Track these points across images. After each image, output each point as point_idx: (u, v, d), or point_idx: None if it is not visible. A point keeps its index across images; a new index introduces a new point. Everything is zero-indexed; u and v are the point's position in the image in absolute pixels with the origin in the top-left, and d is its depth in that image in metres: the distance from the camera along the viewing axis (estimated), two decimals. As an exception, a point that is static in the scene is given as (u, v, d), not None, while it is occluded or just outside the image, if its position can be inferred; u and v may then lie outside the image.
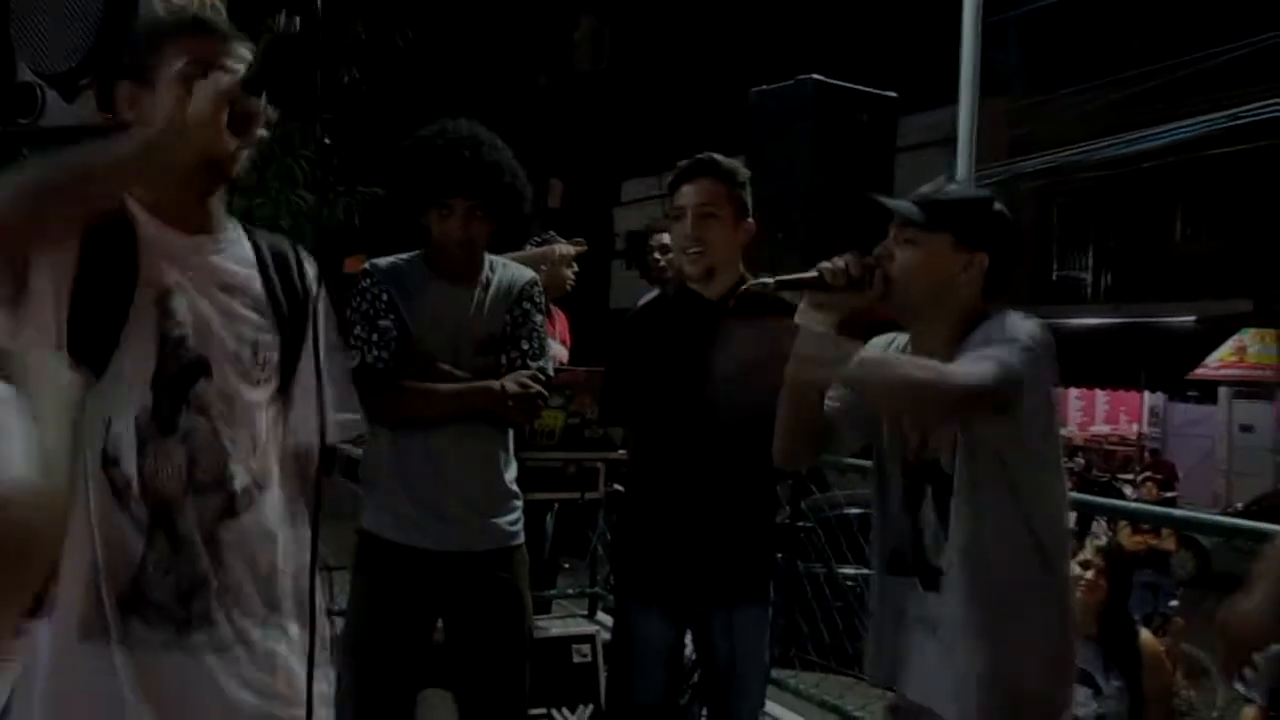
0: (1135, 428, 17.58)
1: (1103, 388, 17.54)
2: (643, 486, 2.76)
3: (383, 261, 2.62)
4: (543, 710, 3.36)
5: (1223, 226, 15.47)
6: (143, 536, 1.60)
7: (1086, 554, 3.57)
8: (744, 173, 2.68)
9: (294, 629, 1.75)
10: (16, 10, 2.15)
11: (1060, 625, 1.94)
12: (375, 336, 2.52)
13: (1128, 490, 11.85)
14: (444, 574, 2.53)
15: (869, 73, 3.80)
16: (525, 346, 2.61)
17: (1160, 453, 15.95)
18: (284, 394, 1.77)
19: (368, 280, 2.58)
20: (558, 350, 3.88)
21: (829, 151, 3.16)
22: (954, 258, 1.90)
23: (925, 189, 1.98)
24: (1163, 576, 7.78)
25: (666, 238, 3.70)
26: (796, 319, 1.99)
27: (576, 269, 4.09)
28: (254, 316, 1.71)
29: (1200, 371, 15.88)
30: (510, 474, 2.65)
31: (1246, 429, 16.52)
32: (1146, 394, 16.93)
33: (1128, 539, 7.20)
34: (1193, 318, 15.61)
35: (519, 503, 2.67)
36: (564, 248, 3.96)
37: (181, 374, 1.63)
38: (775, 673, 3.97)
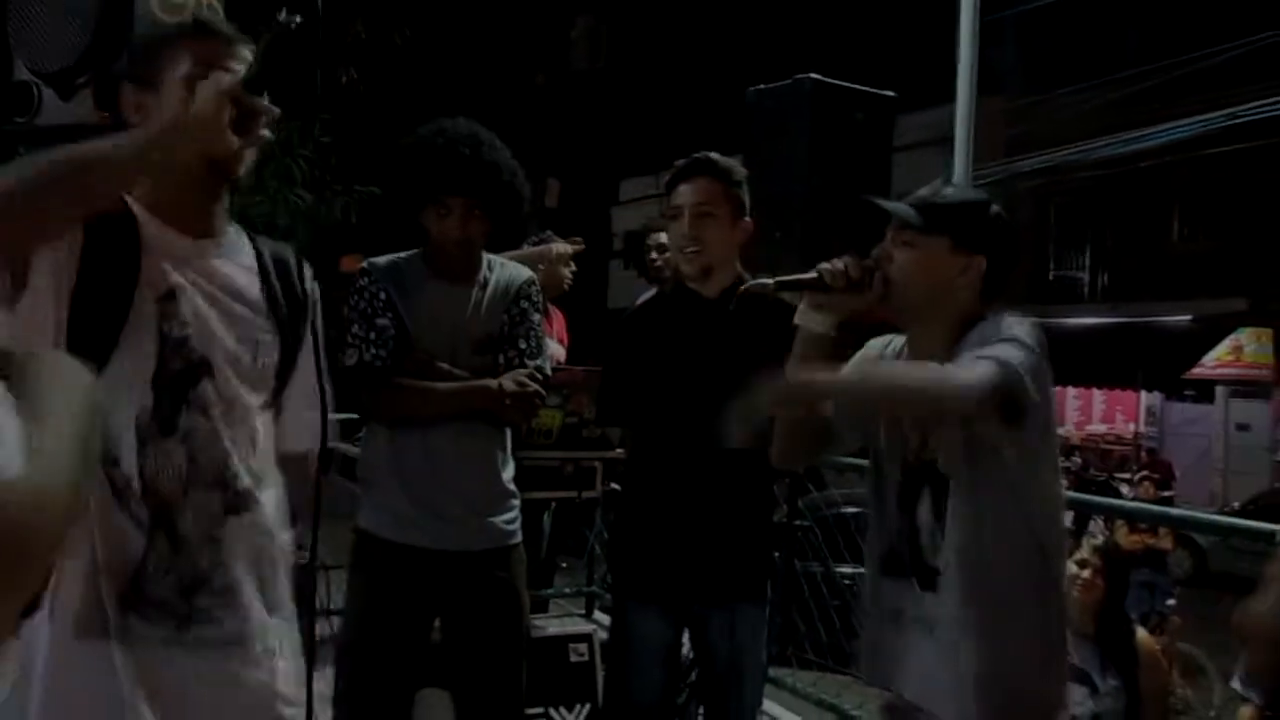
0: (1132, 427, 17.61)
1: (1100, 387, 17.57)
2: (640, 485, 2.76)
3: (381, 260, 2.62)
4: (540, 709, 3.36)
5: (1219, 226, 15.49)
6: (143, 535, 1.61)
7: (1083, 553, 3.57)
8: (741, 171, 2.68)
9: (292, 629, 1.76)
10: (13, 8, 2.15)
11: (1057, 625, 1.94)
12: (373, 335, 2.52)
13: (1125, 489, 11.87)
14: (441, 573, 2.53)
15: (866, 72, 3.81)
16: (523, 345, 2.61)
17: (1157, 452, 15.98)
18: (280, 398, 1.78)
19: (366, 279, 2.58)
20: (555, 349, 3.88)
21: (826, 150, 3.17)
22: (952, 260, 1.91)
23: (923, 191, 1.98)
24: (1160, 575, 7.80)
25: (663, 237, 3.70)
26: (796, 320, 1.99)
27: (574, 268, 4.09)
28: (255, 320, 1.72)
29: (1197, 371, 15.91)
30: (508, 473, 2.65)
31: (1243, 428, 16.55)
32: (1143, 393, 16.96)
33: (1125, 538, 7.21)
34: (1189, 317, 15.64)
35: (516, 502, 2.67)
36: (561, 247, 3.96)
37: (184, 374, 1.64)
38: (772, 671, 3.97)
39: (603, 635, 3.41)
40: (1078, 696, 3.31)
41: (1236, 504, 12.81)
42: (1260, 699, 3.52)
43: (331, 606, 3.39)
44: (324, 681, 3.10)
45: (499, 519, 2.61)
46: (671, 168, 2.69)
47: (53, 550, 0.75)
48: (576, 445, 3.51)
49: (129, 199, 1.62)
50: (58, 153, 1.45)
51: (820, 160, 3.15)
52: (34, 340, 1.49)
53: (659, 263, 4.09)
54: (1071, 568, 3.50)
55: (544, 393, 2.65)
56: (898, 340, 2.05)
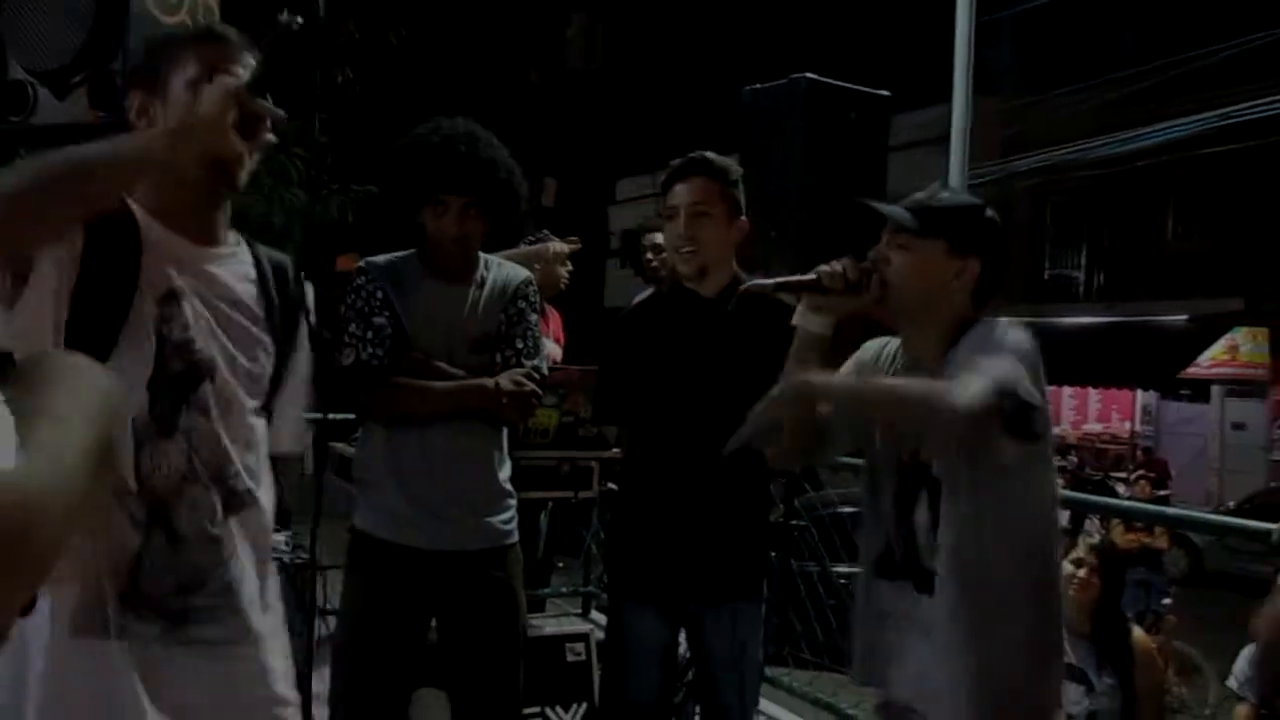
0: (1128, 426, 17.64)
1: (1096, 386, 17.59)
2: (637, 485, 2.76)
3: (378, 259, 2.62)
4: (537, 709, 3.36)
5: (1215, 225, 15.52)
6: (140, 534, 1.61)
7: (1079, 552, 3.58)
8: (737, 171, 2.68)
9: (283, 629, 1.78)
10: (8, 8, 2.15)
11: (1053, 626, 1.94)
12: (370, 334, 2.51)
13: (1120, 488, 11.90)
14: (438, 573, 2.53)
15: (862, 71, 3.81)
16: (520, 345, 2.61)
17: (1153, 451, 16.01)
18: (273, 402, 1.80)
19: (363, 278, 2.58)
20: (552, 349, 3.88)
21: (822, 150, 3.17)
22: (947, 263, 1.92)
23: (918, 195, 2.00)
24: (1155, 574, 7.81)
25: (659, 238, 3.70)
26: (794, 321, 2.00)
27: (571, 267, 4.09)
28: (252, 326, 1.74)
29: (1192, 370, 15.94)
30: (504, 472, 2.65)
31: (1239, 427, 16.58)
32: (1139, 392, 16.99)
33: (1120, 537, 7.22)
34: (1185, 316, 15.67)
35: (513, 501, 2.66)
36: (558, 246, 3.96)
37: (184, 376, 1.65)
38: (769, 671, 3.98)
39: (599, 635, 3.41)
40: (1074, 695, 3.32)
41: (1232, 503, 12.84)
42: (1255, 698, 3.53)
43: (328, 607, 3.39)
44: (321, 681, 3.11)
45: (496, 519, 2.60)
46: (667, 167, 2.69)
47: (52, 550, 0.74)
48: (573, 445, 3.51)
49: (131, 202, 1.63)
50: (62, 153, 1.45)
51: (815, 160, 3.15)
52: (35, 339, 1.49)
53: (655, 263, 4.09)
54: (1067, 567, 3.50)
55: (541, 392, 2.65)
56: (893, 342, 2.06)
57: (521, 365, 2.59)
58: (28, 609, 0.76)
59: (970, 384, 1.71)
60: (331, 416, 3.14)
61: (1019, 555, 1.88)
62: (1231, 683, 3.66)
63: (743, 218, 2.66)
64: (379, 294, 2.54)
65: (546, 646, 3.46)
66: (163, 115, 1.62)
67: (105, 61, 2.10)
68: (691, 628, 2.71)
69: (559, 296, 4.15)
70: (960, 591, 1.86)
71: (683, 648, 2.85)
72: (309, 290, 1.89)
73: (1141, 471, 11.31)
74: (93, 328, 1.56)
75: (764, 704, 3.13)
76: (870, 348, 2.08)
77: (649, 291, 3.06)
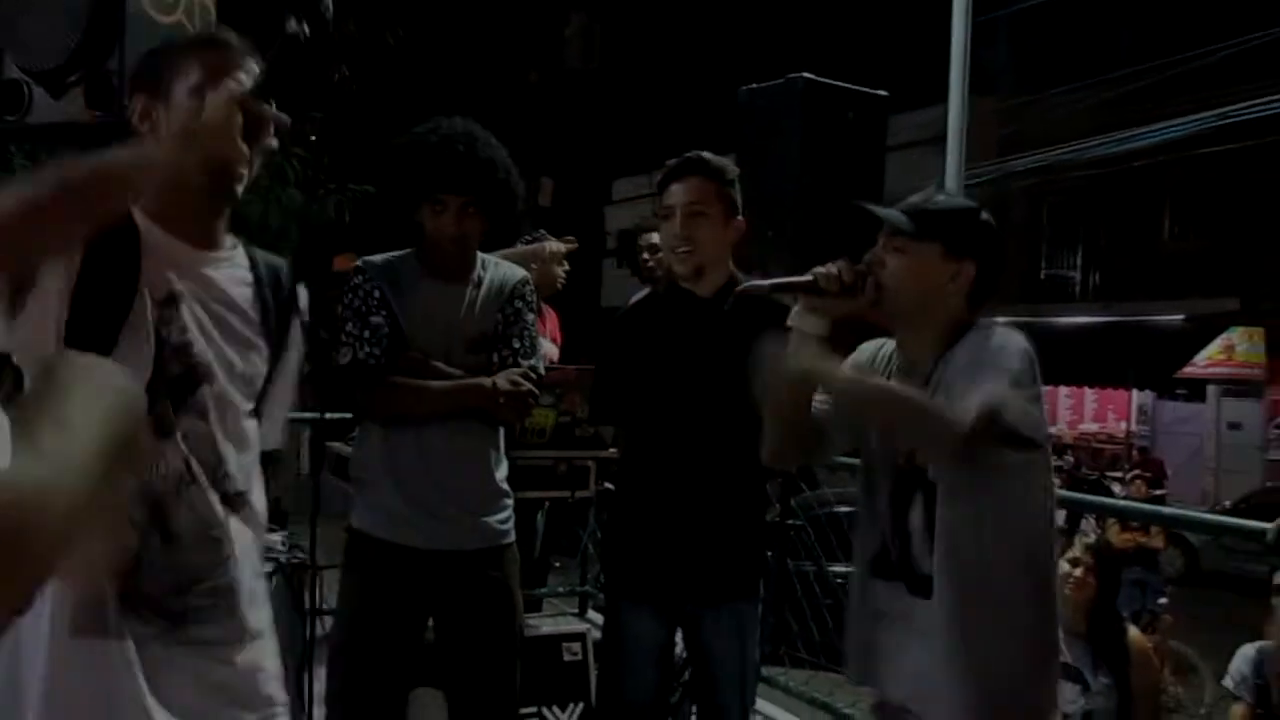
0: (1124, 426, 17.64)
1: (1091, 386, 17.60)
2: (633, 485, 2.76)
3: (375, 259, 2.62)
4: (533, 709, 3.36)
5: (1211, 225, 15.54)
6: (136, 534, 1.61)
7: (1075, 551, 3.58)
8: (733, 170, 2.68)
9: (272, 630, 1.80)
10: (3, 7, 2.14)
11: (1048, 627, 1.95)
12: (367, 333, 2.51)
13: (1116, 488, 11.92)
14: (434, 573, 2.53)
15: (859, 71, 3.81)
16: (517, 345, 2.61)
17: (1149, 451, 16.01)
18: (263, 405, 1.82)
19: (360, 277, 2.58)
20: (548, 348, 3.88)
21: (819, 150, 3.17)
22: (943, 267, 1.93)
23: (914, 198, 2.01)
24: (1151, 574, 7.82)
25: (655, 237, 3.70)
26: (790, 322, 2.00)
27: (567, 267, 4.09)
28: (248, 330, 1.75)
29: (1188, 370, 15.95)
30: (501, 472, 2.65)
31: (1235, 427, 16.60)
32: (1135, 392, 16.99)
33: (1116, 536, 7.22)
34: (1181, 316, 15.68)
35: (510, 501, 2.66)
36: (554, 245, 3.96)
37: (182, 378, 1.67)
38: (765, 670, 3.98)
39: (596, 635, 3.41)
40: (1070, 694, 3.32)
41: (1228, 503, 12.86)
42: (1250, 697, 3.54)
43: (324, 606, 3.39)
44: (317, 681, 3.11)
45: (493, 518, 2.60)
46: (664, 167, 2.69)
47: (50, 551, 0.74)
48: (570, 444, 3.51)
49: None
50: (71, 165, 1.46)
51: (812, 160, 3.15)
52: (39, 346, 1.50)
53: (651, 263, 4.09)
54: (1064, 566, 3.51)
55: (538, 392, 2.65)
56: (889, 344, 2.07)
57: (518, 365, 2.59)
58: (24, 609, 0.76)
59: (965, 402, 1.75)
60: (328, 416, 3.14)
61: (1016, 557, 1.88)
62: (1227, 682, 3.68)
63: (739, 218, 2.66)
64: (376, 293, 2.54)
65: (543, 646, 3.46)
66: (165, 120, 1.64)
67: (101, 61, 2.09)
68: (688, 627, 2.71)
69: (555, 296, 4.15)
70: (957, 593, 1.86)
71: (679, 647, 2.85)
72: (303, 293, 1.89)
73: (1137, 471, 11.32)
74: (93, 330, 1.56)
75: (760, 704, 3.13)
76: (866, 349, 2.09)
77: (645, 291, 3.06)
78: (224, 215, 1.74)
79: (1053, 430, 16.35)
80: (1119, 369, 15.76)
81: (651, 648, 2.67)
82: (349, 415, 2.87)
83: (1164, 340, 15.68)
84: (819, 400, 2.02)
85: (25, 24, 2.13)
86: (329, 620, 3.03)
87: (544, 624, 4.05)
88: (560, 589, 5.46)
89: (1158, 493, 10.50)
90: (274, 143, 1.68)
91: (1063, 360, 14.31)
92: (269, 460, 1.86)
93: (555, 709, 3.44)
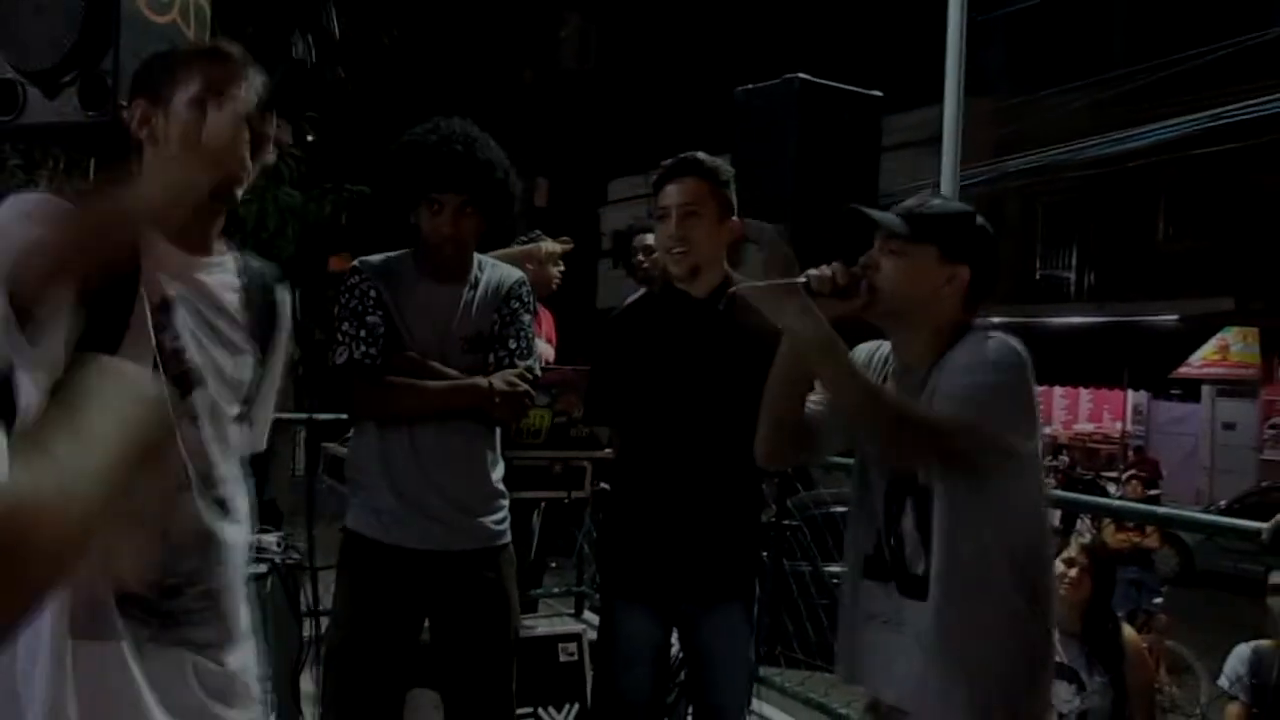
0: (1119, 426, 17.67)
1: (1087, 386, 17.63)
2: (629, 485, 2.76)
3: (372, 259, 2.62)
4: (529, 709, 3.35)
5: (1206, 226, 15.56)
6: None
7: (1071, 551, 3.59)
8: (728, 171, 2.68)
9: (253, 633, 1.81)
10: (-2, 7, 2.14)
11: (1043, 628, 1.95)
12: (363, 333, 2.51)
13: (1112, 488, 11.92)
14: (430, 573, 2.53)
15: (854, 72, 3.81)
16: (513, 345, 2.61)
17: (1144, 450, 16.04)
18: (250, 410, 1.83)
19: (356, 277, 2.58)
20: (544, 349, 3.88)
21: (814, 150, 3.17)
22: (938, 270, 1.94)
23: (910, 202, 2.01)
24: (1147, 574, 7.83)
25: (649, 239, 3.70)
26: (783, 324, 1.99)
27: (563, 267, 4.09)
28: (238, 334, 1.77)
29: (1183, 370, 15.98)
30: (497, 473, 2.65)
31: (1229, 427, 16.63)
32: (1130, 392, 17.02)
33: (1112, 536, 7.24)
34: (1176, 316, 15.70)
35: (505, 502, 2.66)
36: (550, 246, 3.95)
37: (177, 383, 1.67)
38: (761, 670, 3.98)
39: (592, 635, 3.41)
40: (1065, 694, 3.33)
41: (1223, 502, 12.87)
42: (1246, 696, 3.55)
43: (320, 607, 3.39)
44: (313, 682, 3.10)
45: (488, 519, 2.60)
46: (659, 167, 2.69)
47: (54, 561, 0.74)
48: (565, 445, 3.51)
49: None
50: (92, 205, 1.50)
51: (808, 160, 3.15)
52: (55, 358, 1.52)
53: (645, 264, 4.09)
54: (1059, 566, 3.51)
55: (534, 393, 2.65)
56: (885, 346, 2.07)
57: (514, 366, 2.59)
58: (28, 618, 0.76)
59: (952, 407, 1.79)
60: (321, 417, 3.13)
61: (1009, 558, 1.88)
62: (1223, 681, 3.68)
63: (734, 218, 2.66)
64: (372, 293, 2.54)
65: (539, 647, 3.46)
66: (164, 127, 1.66)
67: (95, 61, 2.09)
68: (684, 628, 2.71)
69: (551, 297, 4.15)
70: (950, 595, 1.86)
71: (675, 648, 2.85)
72: (289, 298, 1.91)
73: (1133, 471, 11.35)
74: (96, 337, 1.57)
75: (756, 704, 3.13)
76: (862, 351, 2.09)
77: (640, 292, 3.06)
78: (219, 221, 1.76)
79: (1048, 430, 16.41)
80: (1114, 369, 15.79)
81: (647, 648, 2.67)
82: (343, 416, 2.87)
83: (1159, 340, 15.71)
84: (811, 400, 2.02)
85: (20, 24, 2.13)
86: (325, 621, 3.02)
87: (540, 624, 4.05)
88: (556, 589, 5.46)
89: (1153, 493, 10.51)
90: (274, 156, 1.72)
91: (1058, 360, 14.34)
92: (264, 461, 1.87)
93: (551, 710, 3.44)
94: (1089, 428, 18.40)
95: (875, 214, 1.99)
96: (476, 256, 2.66)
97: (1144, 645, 3.90)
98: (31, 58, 2.12)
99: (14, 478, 0.75)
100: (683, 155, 2.66)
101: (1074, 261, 17.89)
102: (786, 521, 3.98)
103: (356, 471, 2.62)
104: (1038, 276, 18.02)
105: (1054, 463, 13.94)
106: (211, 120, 1.58)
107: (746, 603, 2.70)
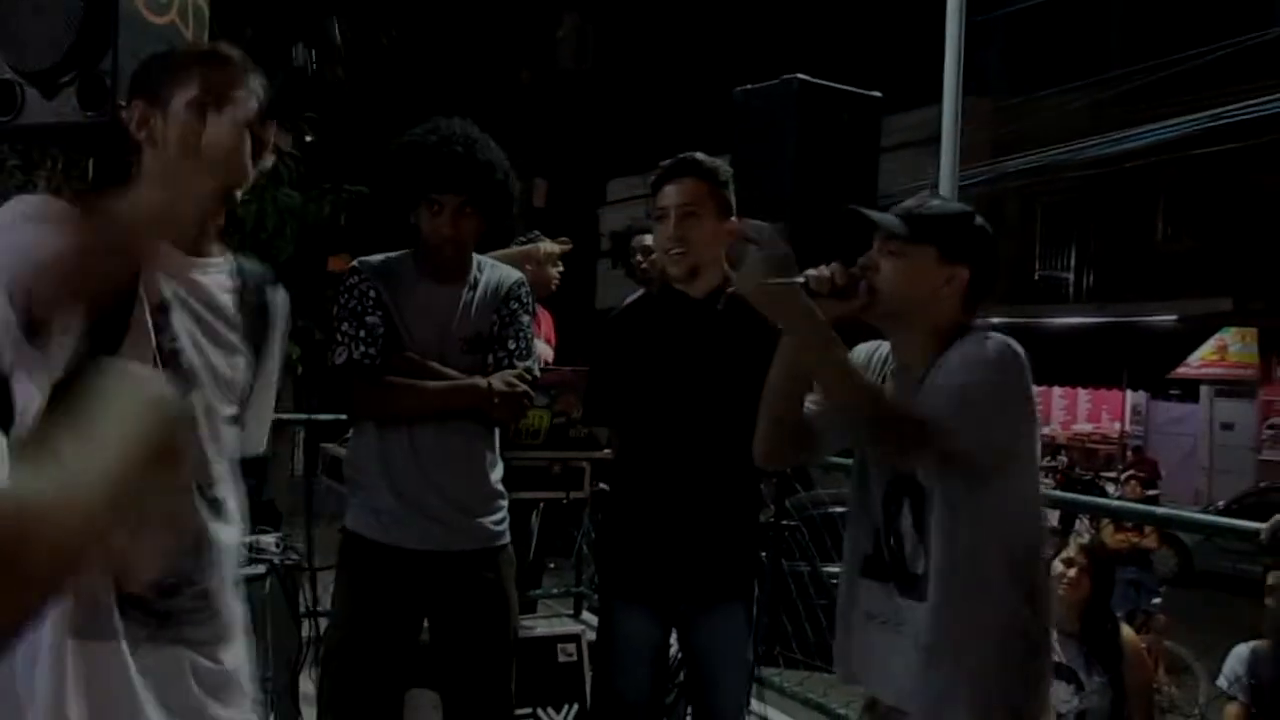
0: (1118, 426, 17.69)
1: (1085, 386, 17.65)
2: (627, 486, 2.76)
3: (371, 259, 2.62)
4: (528, 710, 3.35)
5: (1204, 226, 15.57)
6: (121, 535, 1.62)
7: (1070, 552, 3.59)
8: (726, 171, 2.68)
9: (247, 630, 1.82)
10: (-4, 7, 2.14)
11: (1039, 628, 1.95)
12: (362, 333, 2.51)
13: (1110, 488, 11.93)
14: (429, 574, 2.53)
15: (853, 72, 3.81)
16: (512, 346, 2.61)
17: (1143, 451, 16.04)
18: (244, 411, 1.83)
19: (356, 277, 2.58)
20: (543, 349, 3.88)
21: (813, 151, 3.16)
22: (937, 271, 1.94)
23: (909, 203, 2.01)
24: (1145, 574, 7.84)
25: (648, 240, 3.70)
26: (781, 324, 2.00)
27: (561, 268, 4.08)
28: (232, 336, 1.77)
29: (1182, 370, 15.99)
30: (496, 473, 2.65)
31: (1228, 427, 16.64)
32: (1129, 392, 17.04)
33: (1110, 537, 7.25)
34: (1174, 317, 15.72)
35: (504, 502, 2.66)
36: (549, 246, 3.95)
37: (174, 385, 1.66)
38: (760, 671, 3.98)
39: (591, 635, 3.41)
40: (1064, 694, 3.33)
41: (1221, 503, 12.87)
42: (1245, 696, 3.55)
43: (319, 608, 3.39)
44: (312, 682, 3.10)
45: (487, 519, 2.60)
46: (658, 168, 2.69)
47: (57, 565, 0.74)
48: (564, 445, 3.51)
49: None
50: (98, 224, 1.49)
51: (807, 160, 3.14)
52: (60, 361, 1.53)
53: (644, 265, 4.09)
54: (1058, 566, 3.52)
55: (533, 393, 2.65)
56: (884, 346, 2.07)
57: (514, 366, 2.59)
58: (29, 624, 0.76)
59: (935, 404, 1.81)
60: (320, 417, 3.13)
61: (1005, 558, 1.88)
62: (1221, 682, 3.68)
63: (733, 218, 2.66)
64: (371, 293, 2.54)
65: (538, 647, 3.46)
66: (162, 129, 1.66)
67: (94, 61, 2.09)
68: (683, 628, 2.71)
69: (550, 297, 4.15)
70: (945, 597, 1.86)
71: (674, 648, 2.85)
72: (284, 300, 1.91)
73: (1131, 471, 11.36)
74: (96, 338, 1.57)
75: (755, 704, 3.13)
76: (861, 351, 2.09)
77: (639, 293, 3.06)
78: (216, 223, 1.77)
79: (1046, 430, 16.43)
80: (1113, 369, 15.81)
81: (646, 648, 2.67)
82: (342, 416, 2.87)
83: (1157, 341, 15.72)
84: (810, 400, 2.03)
85: (18, 24, 2.13)
86: (324, 621, 3.03)
87: (539, 625, 4.05)
88: (555, 590, 5.46)
89: (1151, 493, 10.53)
90: (271, 160, 1.72)
91: (1057, 361, 14.35)
92: (263, 462, 1.87)
93: (550, 710, 3.44)
94: (1088, 428, 18.41)
95: (874, 214, 1.99)
96: (476, 257, 2.66)
97: (1143, 645, 3.90)
98: (30, 58, 2.12)
99: (15, 480, 0.75)
100: (681, 156, 2.66)
101: (1073, 262, 17.91)
102: (785, 522, 3.98)
103: (356, 472, 2.62)
104: (1036, 277, 18.04)
105: (1053, 463, 13.95)
106: (212, 126, 1.59)
107: (745, 603, 2.70)
